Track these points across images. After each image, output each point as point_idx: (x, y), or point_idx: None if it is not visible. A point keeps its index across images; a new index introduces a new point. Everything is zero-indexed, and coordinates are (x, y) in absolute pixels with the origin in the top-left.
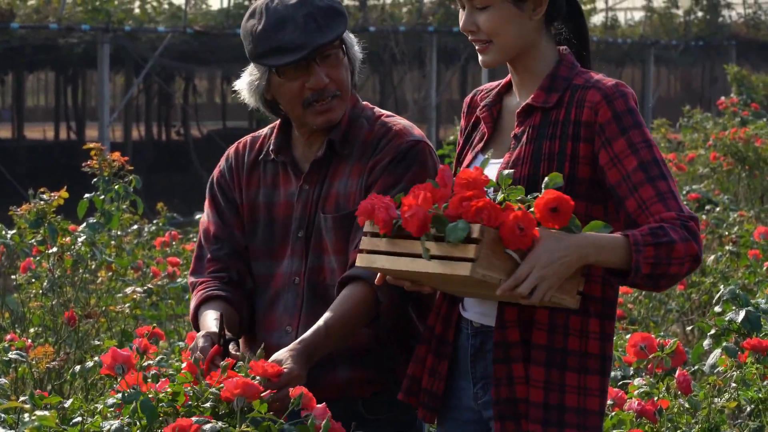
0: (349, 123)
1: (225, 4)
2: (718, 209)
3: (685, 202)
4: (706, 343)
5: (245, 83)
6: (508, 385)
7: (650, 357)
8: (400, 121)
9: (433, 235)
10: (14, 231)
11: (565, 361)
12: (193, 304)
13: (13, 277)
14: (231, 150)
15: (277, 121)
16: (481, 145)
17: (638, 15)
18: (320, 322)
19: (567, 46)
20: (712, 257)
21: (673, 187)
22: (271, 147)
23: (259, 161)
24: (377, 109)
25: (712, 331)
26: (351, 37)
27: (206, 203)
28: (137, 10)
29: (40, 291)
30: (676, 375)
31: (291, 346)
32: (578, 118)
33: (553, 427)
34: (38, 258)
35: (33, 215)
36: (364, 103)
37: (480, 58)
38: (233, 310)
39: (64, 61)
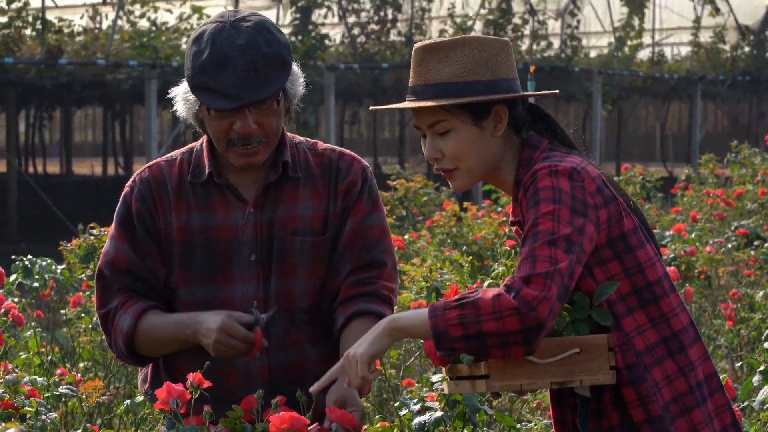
0: (291, 147)
1: None
2: (766, 245)
3: (733, 238)
4: (755, 379)
5: (181, 95)
6: None
7: None
8: (337, 147)
9: (454, 360)
10: (64, 266)
11: None
12: (128, 321)
13: (62, 311)
14: (143, 176)
15: (200, 142)
16: None
17: (685, 50)
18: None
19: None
20: (761, 293)
21: (537, 250)
22: (208, 169)
23: (185, 185)
24: (306, 138)
25: (762, 368)
26: (295, 74)
27: (113, 234)
28: (184, 47)
29: (90, 326)
30: None
31: (339, 384)
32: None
33: None
34: (88, 293)
35: (83, 250)
36: (291, 134)
37: (450, 184)
38: None
39: (112, 96)
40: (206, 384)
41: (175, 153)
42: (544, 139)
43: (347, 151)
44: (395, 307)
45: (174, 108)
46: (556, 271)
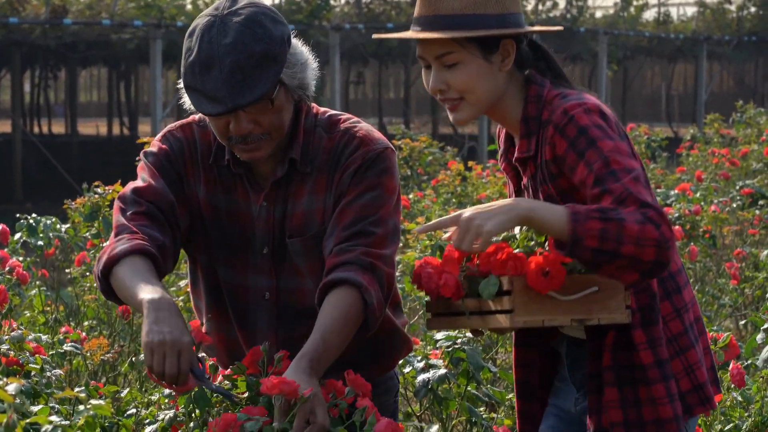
0: (305, 136)
1: (276, 0)
2: None
3: (737, 198)
4: (759, 337)
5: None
6: (597, 413)
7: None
8: (361, 126)
9: (469, 293)
10: (68, 225)
11: (634, 375)
12: (122, 246)
13: (67, 270)
14: (176, 134)
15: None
16: (514, 196)
17: (691, 10)
18: (316, 333)
19: (533, 70)
20: (766, 252)
21: (630, 186)
22: (227, 157)
23: (212, 164)
24: (332, 113)
25: (766, 326)
26: (297, 63)
27: (144, 170)
28: (189, 6)
29: (95, 284)
30: (730, 369)
31: (294, 362)
32: (546, 158)
33: None
34: (93, 251)
35: (87, 209)
36: (316, 109)
37: (452, 116)
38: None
39: (117, 56)
40: (207, 340)
41: (196, 123)
42: (545, 77)
43: (364, 133)
44: (391, 270)
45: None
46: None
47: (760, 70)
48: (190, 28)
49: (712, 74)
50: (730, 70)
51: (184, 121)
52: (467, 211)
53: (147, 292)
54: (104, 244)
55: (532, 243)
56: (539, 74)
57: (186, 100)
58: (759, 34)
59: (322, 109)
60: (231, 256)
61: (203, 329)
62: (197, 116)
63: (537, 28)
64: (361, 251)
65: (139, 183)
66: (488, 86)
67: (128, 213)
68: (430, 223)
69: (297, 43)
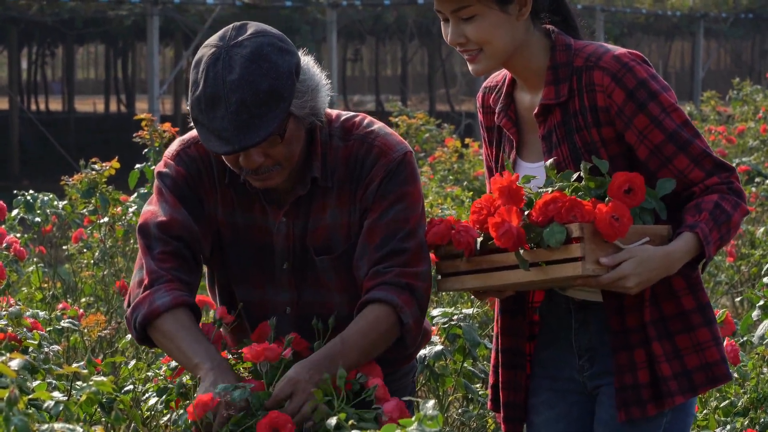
0: (323, 149)
1: None
2: (767, 182)
3: None
4: (755, 314)
5: None
6: (630, 371)
7: None
8: (377, 132)
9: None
10: (66, 201)
11: (669, 327)
12: (163, 299)
13: (64, 247)
14: (189, 153)
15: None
16: (514, 152)
17: None
18: (337, 336)
19: (552, 25)
20: (762, 229)
21: (703, 145)
22: (243, 177)
23: (228, 184)
24: (345, 118)
25: (761, 303)
26: (307, 92)
27: (164, 199)
28: None
29: (92, 261)
30: (725, 345)
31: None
32: (593, 104)
33: (689, 393)
34: (90, 228)
35: (84, 185)
36: (328, 115)
37: (471, 67)
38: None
39: (114, 33)
40: (229, 318)
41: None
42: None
43: (381, 141)
44: (427, 284)
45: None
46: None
47: (756, 48)
48: (196, 58)
49: (709, 52)
50: (727, 48)
51: (195, 135)
52: (636, 265)
53: (202, 355)
54: (102, 221)
55: (581, 193)
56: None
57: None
58: (756, 12)
59: (334, 113)
60: (249, 272)
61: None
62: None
63: None
64: (397, 272)
65: (161, 216)
66: (506, 37)
67: (156, 252)
68: (613, 273)
69: (308, 66)
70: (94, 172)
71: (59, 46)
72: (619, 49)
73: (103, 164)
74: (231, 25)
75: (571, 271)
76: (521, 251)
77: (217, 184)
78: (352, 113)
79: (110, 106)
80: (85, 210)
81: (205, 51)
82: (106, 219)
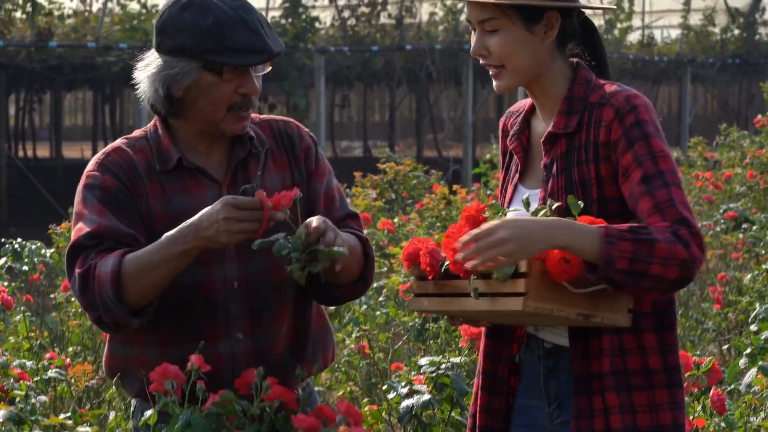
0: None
1: None
2: (755, 228)
3: (721, 221)
4: (742, 362)
5: (154, 74)
6: (588, 416)
7: (686, 375)
8: (278, 116)
9: (481, 273)
10: (53, 249)
11: (629, 382)
12: (111, 261)
13: (52, 296)
14: (111, 159)
15: (152, 129)
16: (517, 176)
17: (675, 33)
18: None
19: (579, 59)
20: (749, 276)
21: (675, 195)
22: (176, 155)
23: (155, 170)
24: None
25: (748, 350)
26: None
27: (91, 212)
28: None
29: (80, 310)
30: (711, 395)
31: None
32: (596, 139)
33: None
34: None
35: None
36: None
37: (494, 83)
38: None
39: (102, 80)
40: (206, 367)
41: (131, 137)
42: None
43: (286, 118)
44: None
45: (141, 95)
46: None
47: (743, 93)
48: (179, 5)
49: (696, 97)
50: (714, 93)
51: (111, 146)
52: (505, 229)
53: (165, 238)
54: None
55: None
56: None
57: (147, 86)
58: (742, 57)
59: None
60: (199, 255)
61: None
62: (121, 140)
63: (585, 5)
64: (358, 230)
65: (87, 227)
66: (528, 56)
67: (91, 255)
68: (467, 237)
69: None
70: None
71: (47, 93)
72: (634, 92)
73: None
74: None
75: (513, 305)
76: (473, 279)
77: (144, 180)
78: None
79: (98, 152)
80: None
81: None
82: None
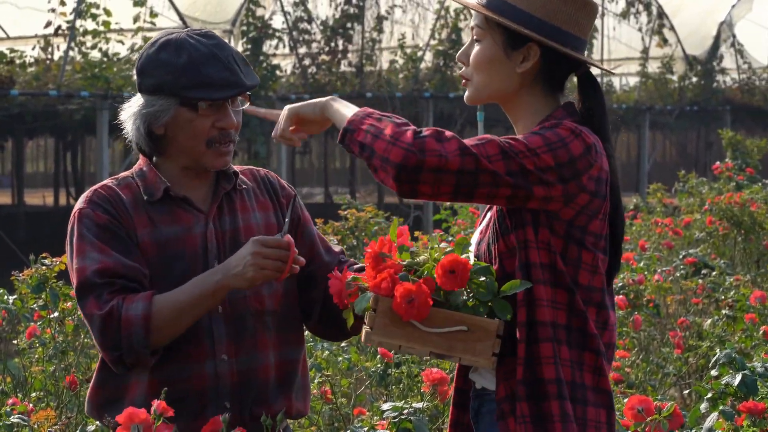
0: None
1: None
2: (714, 273)
3: (681, 267)
4: (703, 406)
5: (135, 113)
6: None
7: (648, 420)
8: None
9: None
10: (15, 296)
11: (532, 391)
12: (141, 305)
13: (14, 342)
14: (99, 194)
15: (140, 167)
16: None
17: (633, 80)
18: None
19: (572, 103)
20: (709, 321)
21: (487, 145)
22: (162, 186)
23: (141, 203)
24: None
25: (709, 395)
26: None
27: (90, 248)
28: (135, 77)
29: (44, 356)
30: None
31: None
32: None
33: None
34: (40, 323)
35: (35, 280)
36: None
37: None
38: None
39: (64, 127)
40: (170, 413)
41: (119, 176)
42: (578, 113)
43: (263, 169)
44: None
45: (126, 135)
46: (478, 155)
47: (702, 140)
48: (157, 45)
49: (654, 144)
50: (673, 140)
51: (99, 184)
52: (291, 107)
53: (195, 280)
54: (52, 316)
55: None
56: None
57: (131, 125)
58: (700, 104)
59: None
60: (179, 281)
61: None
62: (108, 180)
63: (570, 53)
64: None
65: (94, 265)
66: (495, 77)
67: (104, 295)
68: (261, 109)
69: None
70: (44, 267)
71: (8, 140)
72: (579, 127)
73: (54, 259)
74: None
75: (364, 338)
76: (346, 312)
77: (131, 213)
78: None
79: (59, 200)
80: (35, 305)
81: (166, 38)
82: (56, 314)
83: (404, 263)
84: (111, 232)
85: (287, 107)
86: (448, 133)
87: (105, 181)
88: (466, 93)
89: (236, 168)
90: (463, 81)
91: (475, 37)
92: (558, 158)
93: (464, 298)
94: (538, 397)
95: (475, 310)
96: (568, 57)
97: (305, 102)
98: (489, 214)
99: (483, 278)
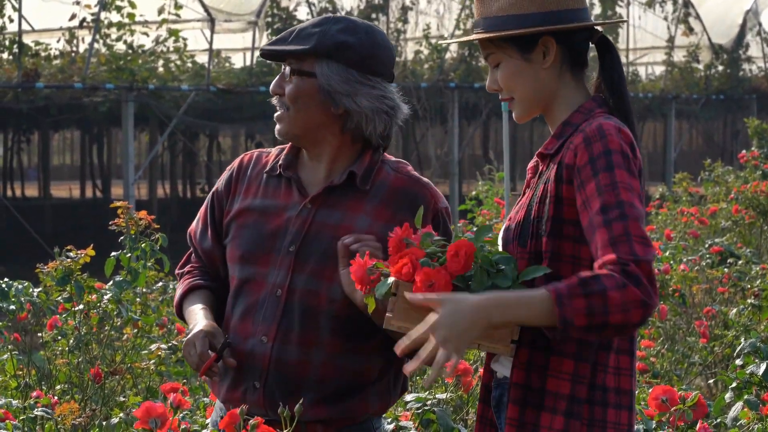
0: (371, 162)
1: (248, 63)
2: (740, 262)
3: (707, 256)
4: (728, 396)
5: None
6: (518, 427)
7: (672, 410)
8: (427, 180)
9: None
10: (40, 289)
11: (535, 401)
12: (179, 291)
13: (39, 334)
14: (236, 161)
15: (289, 144)
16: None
17: (659, 69)
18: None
19: (601, 95)
20: (735, 310)
21: (631, 229)
22: (281, 162)
23: (261, 174)
24: (401, 161)
25: (734, 384)
26: (369, 86)
27: (203, 209)
28: (161, 69)
29: (67, 348)
30: (698, 428)
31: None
32: (563, 160)
33: None
34: (64, 315)
35: (59, 273)
36: (388, 155)
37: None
38: (216, 301)
39: (89, 119)
40: (186, 404)
41: (275, 149)
42: (607, 104)
43: (431, 185)
44: None
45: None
46: (651, 259)
47: (728, 128)
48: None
49: (680, 133)
50: (699, 129)
51: (255, 150)
52: (439, 331)
53: (189, 313)
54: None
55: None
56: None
57: None
58: (726, 93)
59: (392, 157)
60: (256, 251)
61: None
62: (265, 149)
63: (579, 24)
64: None
65: (194, 223)
66: (529, 84)
67: (192, 256)
68: (406, 339)
69: (394, 91)
70: (69, 260)
71: (35, 133)
72: (612, 122)
73: (78, 252)
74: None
75: (384, 322)
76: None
77: (246, 179)
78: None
79: (86, 192)
80: (59, 297)
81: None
82: (81, 306)
83: (427, 250)
84: (213, 204)
85: (441, 356)
86: (633, 253)
87: (262, 150)
88: (515, 112)
89: (408, 168)
90: (508, 104)
91: (492, 64)
92: (635, 178)
93: (486, 285)
94: (548, 391)
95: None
96: (576, 30)
97: (453, 322)
98: (528, 201)
99: (503, 267)
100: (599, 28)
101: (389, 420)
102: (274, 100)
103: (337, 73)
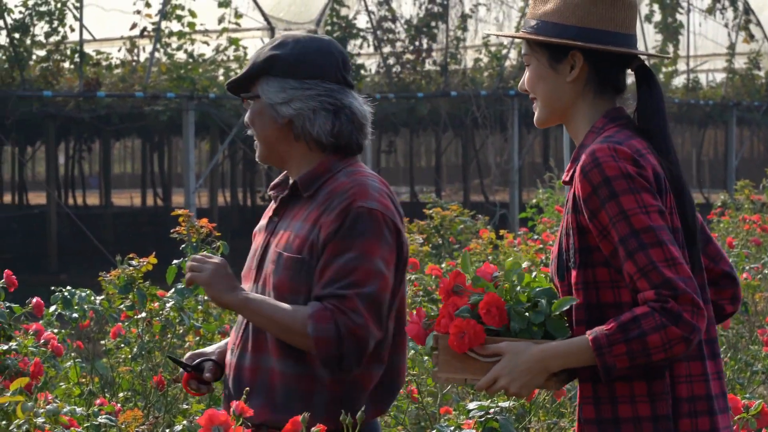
0: (321, 171)
1: None
2: None
3: None
4: None
5: None
6: None
7: (735, 419)
8: (366, 181)
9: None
10: (103, 297)
11: (620, 429)
12: None
13: (102, 342)
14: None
15: None
16: None
17: (720, 76)
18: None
19: (621, 107)
20: None
21: (654, 257)
22: (272, 183)
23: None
24: (364, 168)
25: None
26: (278, 84)
27: None
28: (221, 78)
29: (130, 356)
30: None
31: None
32: (574, 191)
33: None
34: (127, 323)
35: (122, 281)
36: (359, 164)
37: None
38: None
39: (150, 128)
40: (249, 412)
41: None
42: (625, 116)
43: (364, 189)
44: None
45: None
46: (689, 277)
47: None
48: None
49: (742, 140)
50: (760, 136)
51: None
52: (503, 379)
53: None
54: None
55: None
56: (622, 110)
57: None
58: None
59: (362, 165)
60: (245, 270)
61: None
62: None
63: (615, 48)
64: (332, 305)
65: None
66: (549, 92)
67: None
68: (482, 382)
69: (345, 90)
70: (131, 268)
71: (96, 141)
72: (604, 143)
73: (140, 260)
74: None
75: (432, 376)
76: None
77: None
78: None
79: (147, 200)
80: (122, 305)
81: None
82: (143, 314)
83: (471, 300)
84: None
85: (501, 380)
86: (681, 292)
87: None
88: (535, 115)
89: (358, 175)
90: (534, 104)
91: (525, 63)
92: (652, 195)
93: (526, 320)
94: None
95: (531, 334)
96: (609, 52)
97: (518, 380)
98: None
99: (541, 300)
100: (643, 57)
101: (452, 428)
102: (249, 132)
103: (273, 86)
